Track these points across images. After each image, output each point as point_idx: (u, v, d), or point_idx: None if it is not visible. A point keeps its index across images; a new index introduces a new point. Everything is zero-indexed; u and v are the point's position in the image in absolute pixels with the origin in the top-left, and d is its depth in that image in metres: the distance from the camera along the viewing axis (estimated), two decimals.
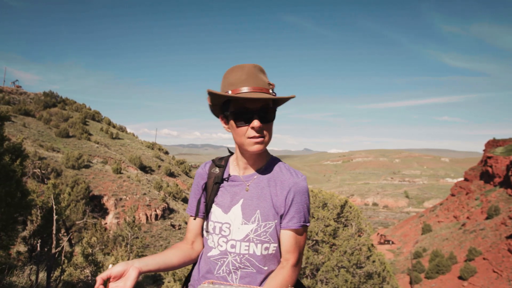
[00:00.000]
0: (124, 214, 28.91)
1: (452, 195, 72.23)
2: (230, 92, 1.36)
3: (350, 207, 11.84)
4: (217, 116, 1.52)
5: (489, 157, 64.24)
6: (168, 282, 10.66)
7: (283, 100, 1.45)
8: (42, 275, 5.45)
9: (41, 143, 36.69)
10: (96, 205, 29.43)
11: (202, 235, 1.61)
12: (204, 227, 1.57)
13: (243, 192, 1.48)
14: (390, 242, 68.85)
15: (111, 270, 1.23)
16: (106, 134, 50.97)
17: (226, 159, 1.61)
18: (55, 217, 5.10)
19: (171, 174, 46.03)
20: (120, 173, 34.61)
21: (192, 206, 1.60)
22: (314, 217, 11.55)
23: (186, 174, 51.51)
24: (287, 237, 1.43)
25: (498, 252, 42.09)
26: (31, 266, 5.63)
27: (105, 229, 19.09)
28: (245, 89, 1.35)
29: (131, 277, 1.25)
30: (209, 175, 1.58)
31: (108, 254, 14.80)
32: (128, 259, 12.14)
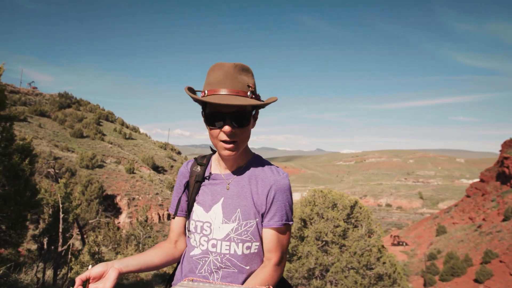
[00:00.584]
0: (137, 213, 29.20)
1: (468, 196, 70.88)
2: (206, 92, 1.34)
3: (360, 208, 11.71)
4: None
5: (506, 158, 62.78)
6: None
7: (261, 105, 1.39)
8: (49, 272, 5.54)
9: (56, 143, 37.34)
10: (109, 205, 29.81)
11: (185, 234, 1.59)
12: (187, 226, 1.55)
13: (224, 190, 1.46)
14: (404, 244, 67.93)
15: (91, 271, 1.23)
16: (120, 134, 51.56)
17: (208, 158, 1.59)
18: (61, 215, 5.17)
19: None
20: (133, 173, 34.99)
21: (173, 204, 1.59)
22: (323, 218, 11.48)
23: None
24: (269, 236, 1.41)
25: None
26: (39, 264, 5.74)
27: (118, 228, 19.35)
28: (221, 91, 1.31)
29: (111, 278, 1.23)
30: (191, 173, 1.56)
31: (120, 253, 14.95)
32: None
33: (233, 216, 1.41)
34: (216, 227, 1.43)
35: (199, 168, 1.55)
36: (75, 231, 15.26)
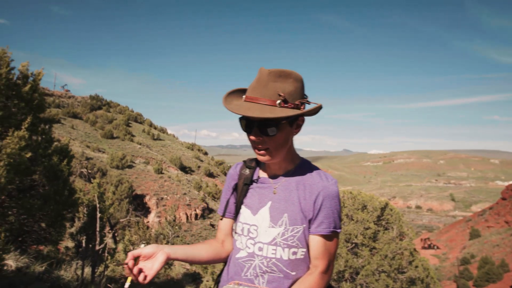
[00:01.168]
0: (165, 213, 29.72)
1: (503, 198, 67.87)
2: (243, 97, 1.34)
3: (391, 210, 11.43)
4: None
5: None
6: (207, 281, 10.83)
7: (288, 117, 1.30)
8: (88, 270, 5.72)
9: (88, 144, 38.58)
10: (138, 204, 30.47)
11: (232, 236, 1.60)
12: (234, 228, 1.56)
13: (271, 194, 1.45)
14: (435, 247, 65.95)
15: (143, 249, 1.30)
16: (148, 135, 52.65)
17: (256, 161, 1.58)
18: (98, 215, 5.33)
19: (210, 175, 46.74)
20: (161, 173, 35.61)
21: (221, 206, 1.61)
22: (353, 220, 11.29)
23: (225, 174, 51.85)
24: (316, 243, 1.39)
25: None
26: (77, 261, 5.94)
27: (147, 227, 19.77)
28: (247, 99, 1.31)
29: (159, 259, 1.30)
30: (240, 176, 1.56)
31: None
32: None
33: (280, 221, 1.40)
34: (262, 231, 1.42)
35: (247, 171, 1.55)
36: (107, 229, 15.71)
